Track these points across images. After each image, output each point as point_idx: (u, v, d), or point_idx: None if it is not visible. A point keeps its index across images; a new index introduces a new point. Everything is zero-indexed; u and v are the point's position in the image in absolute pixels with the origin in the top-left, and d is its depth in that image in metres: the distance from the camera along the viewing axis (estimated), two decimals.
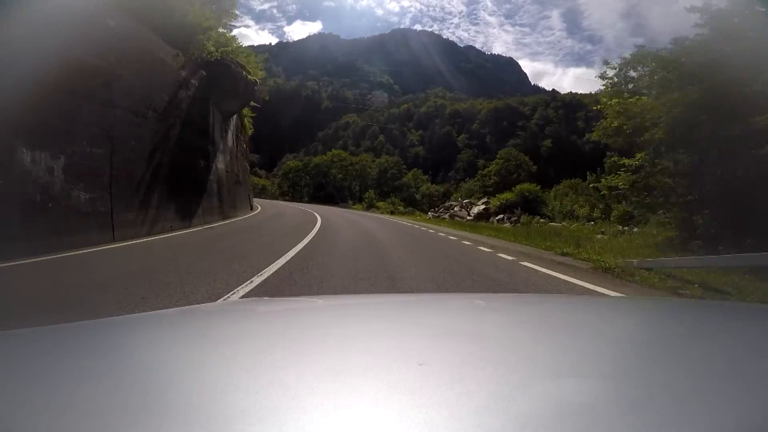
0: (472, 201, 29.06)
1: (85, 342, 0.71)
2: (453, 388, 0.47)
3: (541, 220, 20.12)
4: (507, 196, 24.49)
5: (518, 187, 24.90)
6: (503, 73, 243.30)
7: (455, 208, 28.15)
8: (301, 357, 0.61)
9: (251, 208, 21.25)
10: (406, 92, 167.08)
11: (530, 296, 2.80)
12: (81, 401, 0.44)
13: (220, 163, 14.36)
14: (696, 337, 0.79)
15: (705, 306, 1.48)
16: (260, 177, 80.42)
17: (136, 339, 0.75)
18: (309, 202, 54.81)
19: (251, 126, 26.89)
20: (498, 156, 49.71)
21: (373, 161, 71.53)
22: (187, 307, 2.05)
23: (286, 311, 1.14)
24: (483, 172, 46.86)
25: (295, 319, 1.00)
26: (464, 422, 0.39)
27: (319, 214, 20.07)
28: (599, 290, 4.17)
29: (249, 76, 14.89)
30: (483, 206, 25.25)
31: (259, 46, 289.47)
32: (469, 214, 25.03)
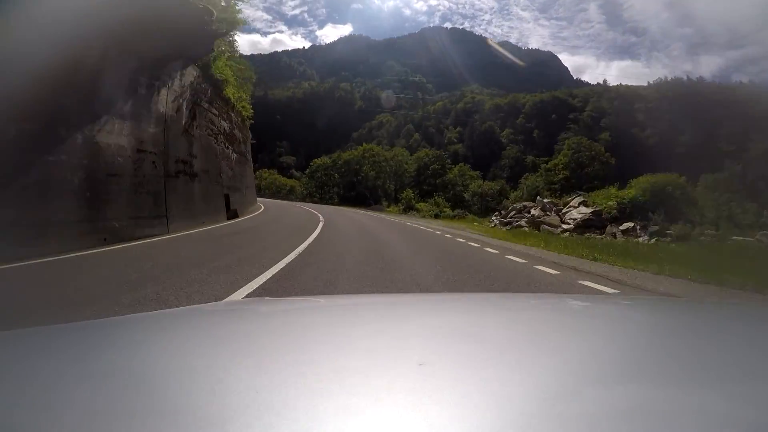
0: (554, 201, 21.04)
1: (85, 342, 0.70)
2: (453, 388, 0.47)
3: (707, 231, 12.52)
4: (627, 193, 15.46)
5: (644, 179, 15.92)
6: (543, 67, 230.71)
7: (533, 212, 20.44)
8: (301, 357, 0.61)
9: (237, 215, 15.69)
10: (441, 90, 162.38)
11: (530, 296, 2.65)
12: (81, 401, 0.44)
13: (118, 137, 7.63)
14: (696, 337, 0.79)
15: (705, 306, 1.42)
16: (296, 179, 77.00)
17: (136, 339, 0.74)
18: (339, 204, 50.42)
19: (250, 110, 20.08)
20: (566, 146, 41.68)
21: (411, 156, 63.70)
22: (187, 307, 2.07)
23: (286, 311, 1.13)
24: (547, 166, 39.21)
25: (295, 319, 0.99)
26: (465, 422, 0.39)
27: (327, 222, 14.90)
28: None
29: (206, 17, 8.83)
30: (589, 210, 15.60)
31: (293, 51, 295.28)
32: (563, 221, 17.44)
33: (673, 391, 0.48)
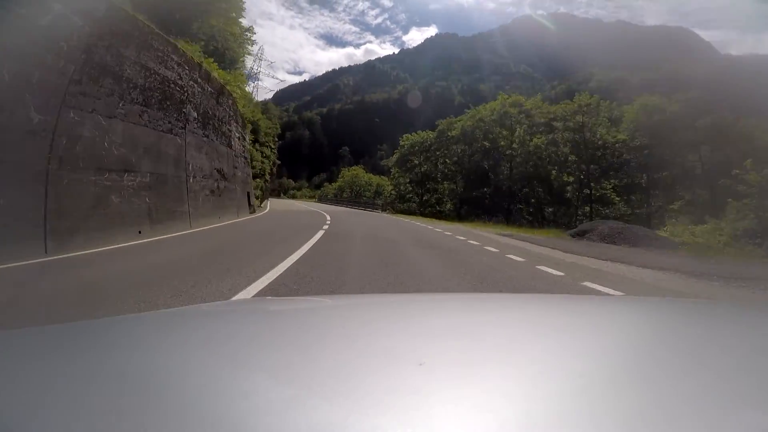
0: None
1: (85, 342, 0.70)
2: (453, 388, 0.47)
3: None
4: None
5: None
6: (675, 43, 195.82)
7: None
8: (301, 357, 0.61)
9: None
10: (551, 78, 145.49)
11: (530, 296, 2.58)
12: (81, 401, 0.44)
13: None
14: (697, 337, 0.78)
15: (706, 306, 1.41)
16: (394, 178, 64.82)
17: (136, 339, 0.74)
18: (455, 220, 25.17)
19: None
20: None
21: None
22: (188, 306, 2.07)
23: (285, 311, 1.13)
24: None
25: (295, 319, 0.99)
26: (465, 422, 0.39)
27: None
28: None
29: None
30: None
31: (385, 57, 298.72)
32: None
33: (674, 392, 0.48)
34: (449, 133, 35.29)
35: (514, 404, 0.44)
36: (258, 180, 37.39)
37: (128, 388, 0.47)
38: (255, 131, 34.88)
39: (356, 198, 51.82)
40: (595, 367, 0.57)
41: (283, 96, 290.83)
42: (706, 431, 0.39)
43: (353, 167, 66.87)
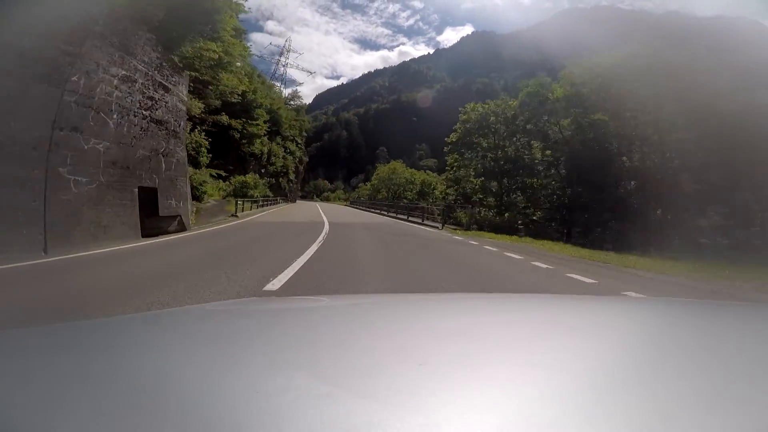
0: None
1: (85, 342, 0.70)
2: (453, 388, 0.47)
3: None
4: None
5: None
6: (737, 34, 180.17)
7: None
8: (301, 357, 0.61)
9: None
10: None
11: (530, 296, 2.63)
12: (81, 401, 0.44)
13: None
14: (696, 337, 0.79)
15: (706, 306, 1.40)
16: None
17: (136, 339, 0.74)
18: (567, 244, 12.46)
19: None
20: None
21: None
22: (188, 306, 2.05)
23: (286, 311, 1.12)
24: None
25: (295, 319, 0.99)
26: (465, 422, 0.39)
27: None
28: None
29: None
30: None
31: (420, 58, 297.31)
32: None
33: (674, 392, 0.48)
34: (550, 94, 22.13)
35: (515, 404, 0.44)
36: (281, 179, 34.94)
37: (128, 387, 0.47)
38: (277, 122, 33.28)
39: (395, 200, 40.86)
40: (595, 368, 0.57)
41: (322, 100, 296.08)
42: (706, 431, 0.39)
43: (391, 162, 56.54)
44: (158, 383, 0.49)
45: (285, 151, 31.24)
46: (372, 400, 0.44)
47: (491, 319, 0.96)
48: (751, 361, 0.60)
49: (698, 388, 0.50)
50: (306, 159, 37.35)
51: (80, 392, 0.46)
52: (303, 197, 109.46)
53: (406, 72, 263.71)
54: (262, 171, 33.12)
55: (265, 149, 32.74)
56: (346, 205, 53.26)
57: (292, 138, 35.72)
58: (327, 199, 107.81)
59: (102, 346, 0.68)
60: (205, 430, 0.37)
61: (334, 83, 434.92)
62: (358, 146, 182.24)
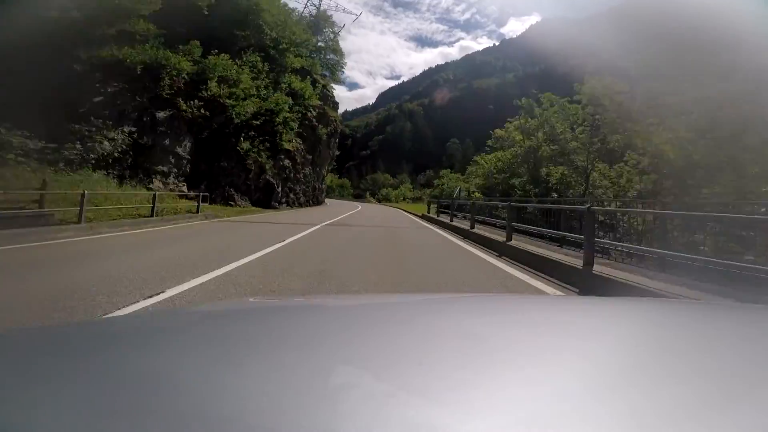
0: None
1: (85, 342, 0.70)
2: (453, 389, 0.48)
3: None
4: None
5: None
6: None
7: None
8: (300, 357, 0.61)
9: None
10: None
11: (531, 297, 2.63)
12: (81, 401, 0.44)
13: None
14: (697, 337, 0.79)
15: (705, 307, 1.40)
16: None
17: (136, 339, 0.74)
18: None
19: None
20: None
21: None
22: (188, 306, 2.09)
23: (286, 311, 1.12)
24: None
25: (296, 319, 0.98)
26: (465, 422, 0.39)
27: None
28: None
29: None
30: None
31: (485, 50, 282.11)
32: None
33: (674, 392, 0.48)
34: None
35: (515, 404, 0.44)
36: (307, 170, 25.57)
37: (127, 387, 0.47)
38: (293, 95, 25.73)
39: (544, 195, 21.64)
40: (595, 368, 0.57)
41: (384, 99, 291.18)
42: (705, 431, 0.40)
43: (479, 155, 35.99)
44: (158, 383, 0.49)
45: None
46: (371, 399, 0.44)
47: (491, 319, 0.94)
48: (751, 362, 0.60)
49: (698, 388, 0.50)
50: (336, 151, 32.49)
51: (80, 392, 0.46)
52: (357, 196, 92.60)
53: (471, 63, 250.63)
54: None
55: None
56: (422, 213, 24.15)
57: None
58: (386, 199, 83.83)
59: (102, 346, 0.66)
60: (206, 431, 0.37)
61: (394, 83, 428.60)
62: (425, 138, 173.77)
